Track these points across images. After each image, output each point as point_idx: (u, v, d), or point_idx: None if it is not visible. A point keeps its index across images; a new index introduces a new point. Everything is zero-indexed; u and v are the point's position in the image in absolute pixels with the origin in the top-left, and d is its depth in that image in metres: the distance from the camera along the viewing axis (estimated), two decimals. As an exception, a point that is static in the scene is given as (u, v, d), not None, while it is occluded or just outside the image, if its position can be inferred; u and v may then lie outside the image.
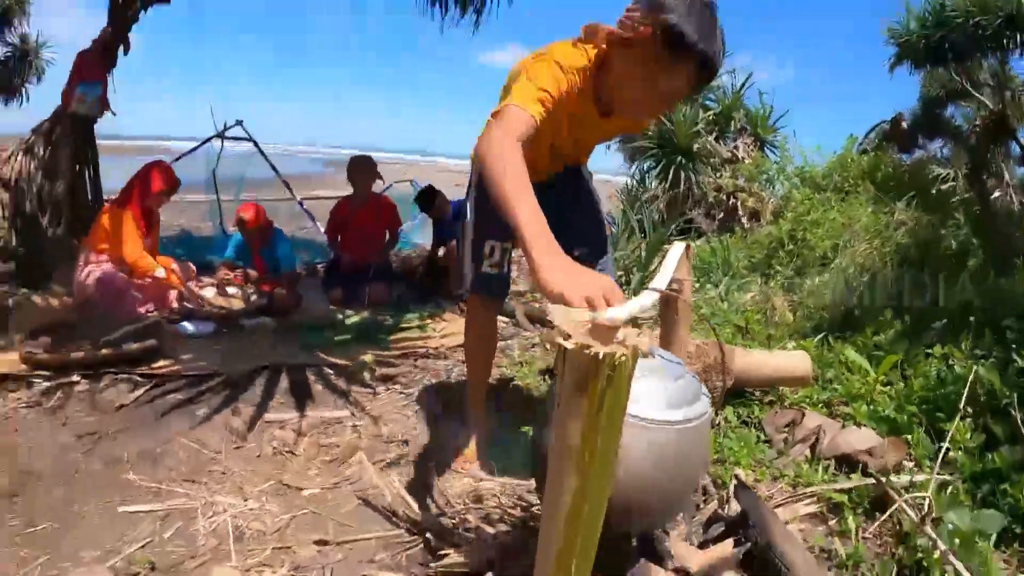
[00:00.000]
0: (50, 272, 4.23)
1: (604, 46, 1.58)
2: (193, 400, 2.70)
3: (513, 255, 2.13)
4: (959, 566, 1.41)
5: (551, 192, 1.80)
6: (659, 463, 1.14)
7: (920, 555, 1.51)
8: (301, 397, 2.81)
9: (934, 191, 7.25)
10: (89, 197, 4.86)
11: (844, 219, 6.29)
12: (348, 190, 4.72)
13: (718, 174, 8.53)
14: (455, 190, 4.73)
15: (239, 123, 5.54)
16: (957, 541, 1.46)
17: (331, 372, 3.10)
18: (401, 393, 2.93)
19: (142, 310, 3.74)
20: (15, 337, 3.17)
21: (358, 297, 4.30)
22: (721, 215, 8.51)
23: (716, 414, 2.39)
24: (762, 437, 2.26)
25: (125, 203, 3.98)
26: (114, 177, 4.93)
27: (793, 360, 2.59)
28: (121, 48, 4.82)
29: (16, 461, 2.20)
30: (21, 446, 2.31)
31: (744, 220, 8.36)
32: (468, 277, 2.09)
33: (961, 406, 1.94)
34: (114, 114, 4.96)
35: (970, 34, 7.29)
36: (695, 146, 8.24)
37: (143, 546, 1.76)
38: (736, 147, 8.78)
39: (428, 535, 1.69)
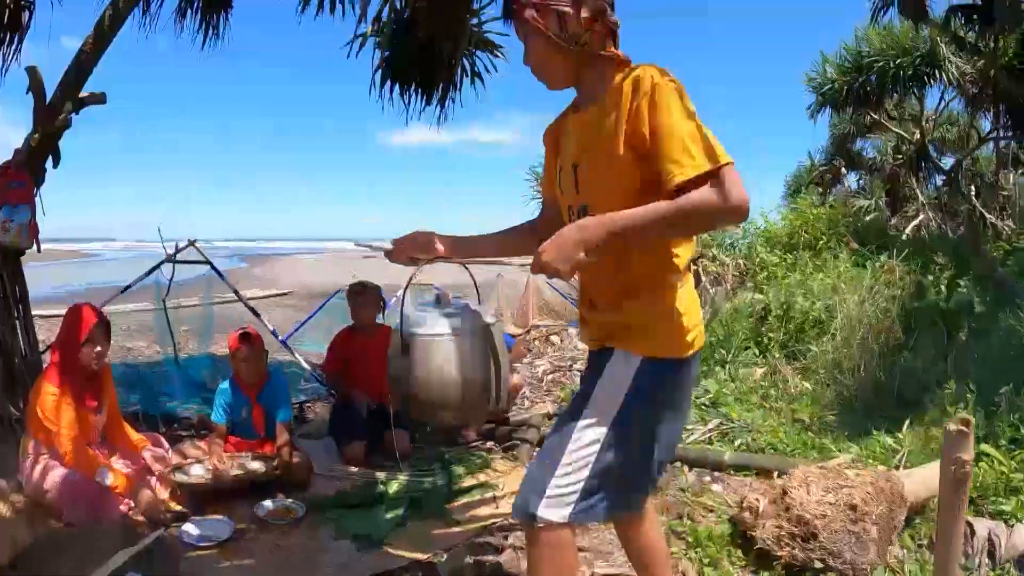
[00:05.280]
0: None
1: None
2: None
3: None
4: None
5: None
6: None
7: None
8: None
9: (905, 237, 7.53)
10: (24, 351, 3.95)
11: (831, 279, 6.31)
12: (275, 287, 4.11)
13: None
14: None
15: (192, 243, 4.81)
16: None
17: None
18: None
19: (122, 510, 2.95)
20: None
21: (385, 452, 3.67)
22: (683, 284, 8.43)
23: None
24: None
25: (50, 370, 3.04)
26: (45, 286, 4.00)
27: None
28: (50, 159, 4.00)
29: None
30: None
31: (708, 285, 8.31)
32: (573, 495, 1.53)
33: None
34: (39, 251, 4.12)
35: (892, 74, 7.85)
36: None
37: None
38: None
39: None
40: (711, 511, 3.13)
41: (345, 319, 4.20)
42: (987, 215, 8.27)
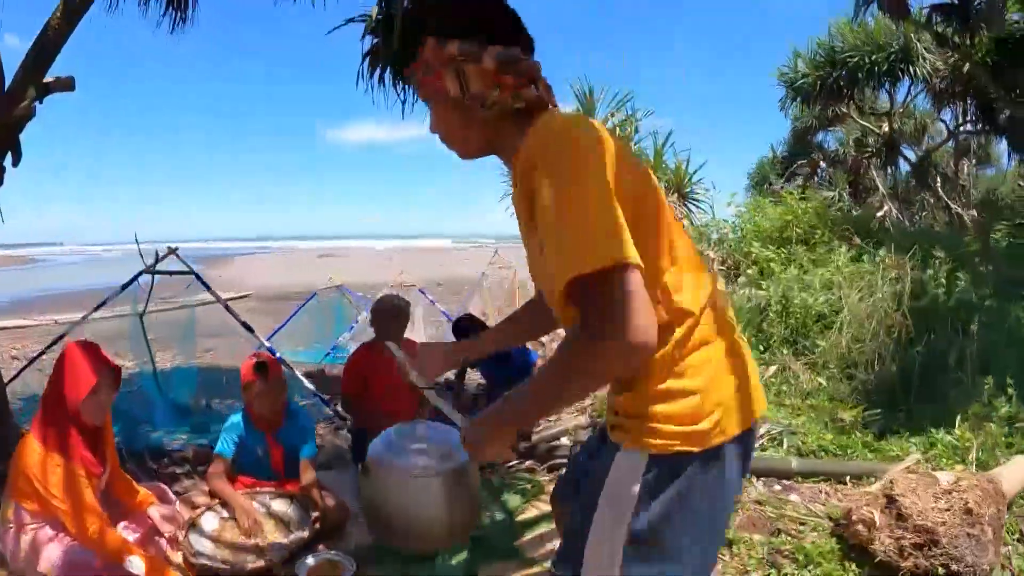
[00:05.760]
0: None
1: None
2: None
3: None
4: None
5: None
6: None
7: None
8: None
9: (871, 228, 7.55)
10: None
11: (830, 273, 6.25)
12: (233, 290, 3.71)
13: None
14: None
15: (173, 251, 4.23)
16: None
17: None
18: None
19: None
20: None
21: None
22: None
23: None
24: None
25: (43, 428, 2.38)
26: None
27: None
28: (10, 158, 3.38)
29: None
30: None
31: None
32: None
33: None
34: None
35: (867, 70, 8.00)
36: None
37: None
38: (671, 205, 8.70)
39: None
40: (802, 524, 2.91)
41: (324, 320, 3.78)
42: (952, 205, 8.53)
